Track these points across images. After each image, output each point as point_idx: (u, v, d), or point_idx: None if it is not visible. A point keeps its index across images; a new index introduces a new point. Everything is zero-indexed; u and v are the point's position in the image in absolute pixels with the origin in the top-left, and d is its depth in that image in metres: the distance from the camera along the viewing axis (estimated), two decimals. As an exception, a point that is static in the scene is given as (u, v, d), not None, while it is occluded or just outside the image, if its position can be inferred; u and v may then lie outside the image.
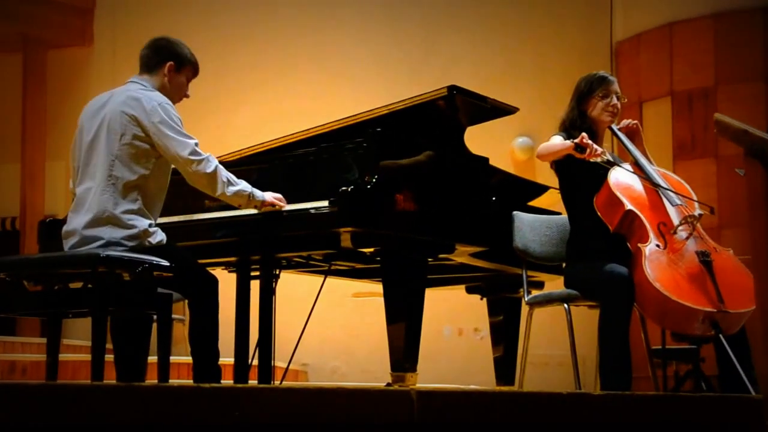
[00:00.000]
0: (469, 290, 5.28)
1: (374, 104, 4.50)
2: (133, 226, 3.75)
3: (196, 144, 3.84)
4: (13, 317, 7.18)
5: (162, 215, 4.01)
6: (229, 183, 3.88)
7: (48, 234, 4.45)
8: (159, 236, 3.83)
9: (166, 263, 3.72)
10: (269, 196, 3.98)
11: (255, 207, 3.97)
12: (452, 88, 4.38)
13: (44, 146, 8.86)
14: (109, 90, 4.04)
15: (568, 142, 4.06)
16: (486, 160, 4.51)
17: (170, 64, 3.98)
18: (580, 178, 4.23)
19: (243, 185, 3.91)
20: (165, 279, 3.78)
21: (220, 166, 3.87)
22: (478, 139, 4.96)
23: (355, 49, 8.42)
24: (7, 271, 3.78)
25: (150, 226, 3.80)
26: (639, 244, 3.98)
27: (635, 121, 4.42)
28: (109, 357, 3.71)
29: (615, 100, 4.31)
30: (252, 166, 4.44)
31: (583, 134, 4.05)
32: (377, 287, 4.30)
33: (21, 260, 4.09)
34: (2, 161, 9.23)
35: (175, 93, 3.98)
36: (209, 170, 3.83)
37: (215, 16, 8.71)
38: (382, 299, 4.05)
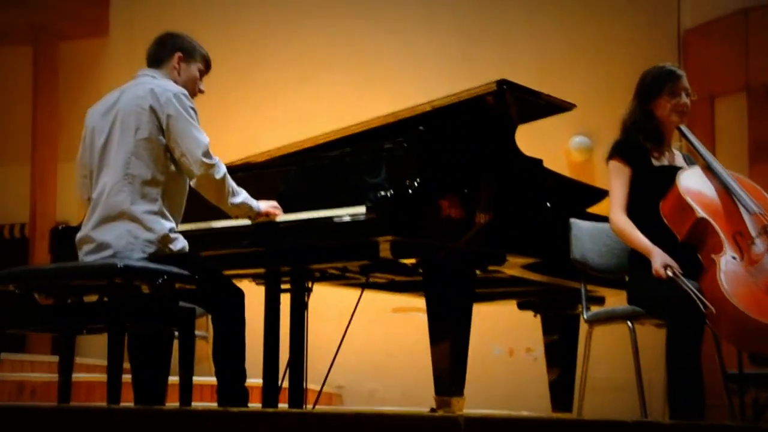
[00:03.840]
0: (522, 306, 5.27)
1: (411, 104, 4.50)
2: (152, 229, 3.79)
3: (208, 145, 3.87)
4: (23, 333, 7.25)
5: (182, 222, 4.04)
6: (234, 193, 3.95)
7: (60, 242, 4.51)
8: (180, 243, 3.86)
9: (188, 274, 3.74)
10: (264, 205, 4.04)
11: (249, 218, 4.03)
12: (502, 83, 4.37)
13: (56, 146, 8.90)
14: (118, 87, 4.07)
15: (657, 260, 3.99)
16: (540, 162, 4.50)
17: (178, 54, 4.06)
18: (645, 181, 4.21)
19: (244, 195, 3.98)
20: (187, 291, 3.81)
21: (228, 174, 3.92)
22: (531, 138, 4.94)
23: (390, 46, 8.41)
24: (16, 282, 3.82)
25: (171, 231, 3.83)
26: (713, 255, 3.94)
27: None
28: (127, 377, 3.74)
29: (685, 98, 4.26)
30: (282, 167, 4.47)
31: (666, 271, 3.98)
32: (419, 302, 4.29)
33: (31, 271, 4.14)
34: (10, 163, 9.30)
35: (187, 86, 4.01)
36: (218, 176, 3.88)
37: (242, 6, 8.75)
38: (424, 315, 4.05)
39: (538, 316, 5.21)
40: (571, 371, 5.07)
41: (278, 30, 8.58)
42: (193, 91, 4.06)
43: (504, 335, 7.76)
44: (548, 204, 4.49)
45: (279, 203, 4.14)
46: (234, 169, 4.33)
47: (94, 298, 3.80)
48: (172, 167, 3.89)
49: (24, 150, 9.00)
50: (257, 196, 4.09)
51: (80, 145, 4.07)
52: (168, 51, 4.06)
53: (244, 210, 3.99)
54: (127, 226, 3.78)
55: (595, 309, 4.59)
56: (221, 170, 3.88)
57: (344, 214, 3.93)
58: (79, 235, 3.92)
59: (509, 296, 5.17)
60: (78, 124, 4.11)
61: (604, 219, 4.77)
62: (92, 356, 7.08)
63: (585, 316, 4.44)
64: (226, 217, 4.13)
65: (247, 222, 4.14)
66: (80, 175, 4.07)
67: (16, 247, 8.95)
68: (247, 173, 4.44)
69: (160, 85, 3.93)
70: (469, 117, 4.51)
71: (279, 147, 4.71)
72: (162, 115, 3.85)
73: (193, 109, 3.92)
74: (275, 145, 4.77)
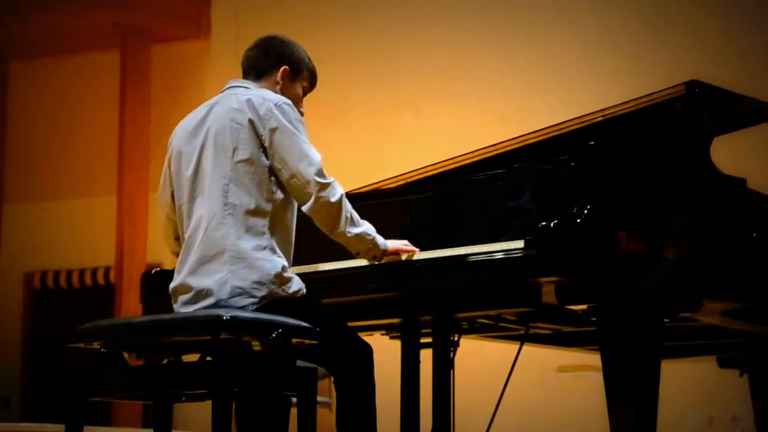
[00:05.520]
0: (723, 363, 5.19)
1: (576, 113, 4.50)
2: (262, 268, 3.83)
3: (321, 162, 3.90)
4: (109, 401, 7.43)
5: (293, 264, 4.08)
6: (352, 221, 3.95)
7: (154, 289, 4.60)
8: (297, 284, 3.91)
9: (307, 326, 3.79)
10: (392, 243, 4.04)
11: (374, 257, 4.03)
12: (693, 85, 4.33)
13: (147, 172, 8.96)
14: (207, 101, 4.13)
15: None
16: (743, 181, 4.44)
17: (285, 68, 4.10)
18: None
19: (367, 227, 3.99)
20: (306, 348, 3.86)
21: (345, 197, 3.94)
22: (731, 153, 4.88)
23: (555, 45, 8.40)
24: (101, 339, 3.91)
25: (284, 269, 3.88)
26: None
27: None
28: (235, 453, 3.81)
29: None
30: (417, 195, 4.51)
31: None
32: (593, 359, 4.27)
33: (119, 325, 4.23)
34: (94, 193, 9.48)
35: None
36: (334, 199, 3.90)
37: (365, 5, 8.83)
38: (599, 375, 4.03)
39: (745, 376, 5.14)
40: (791, 446, 4.99)
41: (407, 31, 8.63)
42: None
43: (701, 400, 7.66)
44: (754, 233, 4.42)
45: (415, 237, 4.16)
46: (358, 197, 4.39)
47: (194, 357, 3.88)
48: (279, 193, 3.93)
49: (109, 177, 9.08)
50: (388, 229, 4.12)
51: (162, 174, 4.15)
52: (272, 61, 4.10)
53: (365, 244, 3.99)
54: (232, 267, 3.82)
55: (820, 367, 4.51)
56: (337, 192, 3.91)
57: (496, 250, 3.93)
58: (173, 284, 3.98)
59: (707, 351, 5.11)
60: (173, 144, 4.19)
61: (829, 252, 4.68)
62: (193, 429, 7.21)
63: (806, 377, 4.36)
64: (349, 256, 4.19)
65: (375, 261, 4.19)
66: (162, 214, 4.14)
67: (101, 295, 9.04)
68: (375, 202, 4.49)
69: (258, 94, 3.97)
70: (651, 128, 4.48)
71: (413, 170, 4.74)
72: (263, 131, 3.89)
73: (299, 120, 3.95)
74: (408, 168, 4.81)
